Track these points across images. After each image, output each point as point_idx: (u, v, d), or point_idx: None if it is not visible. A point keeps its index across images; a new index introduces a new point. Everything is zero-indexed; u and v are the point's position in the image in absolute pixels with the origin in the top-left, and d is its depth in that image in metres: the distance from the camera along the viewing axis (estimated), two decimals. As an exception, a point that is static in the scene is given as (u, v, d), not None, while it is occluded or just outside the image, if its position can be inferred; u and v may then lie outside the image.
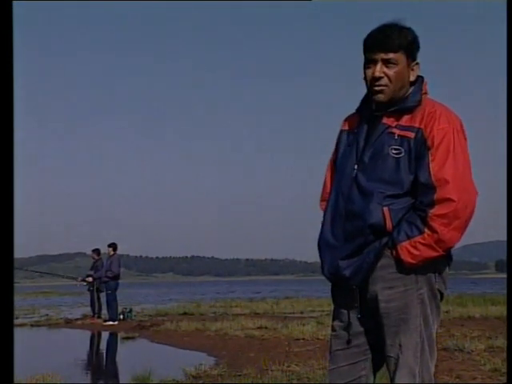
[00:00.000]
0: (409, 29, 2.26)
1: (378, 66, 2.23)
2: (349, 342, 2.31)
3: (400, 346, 2.21)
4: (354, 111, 2.44)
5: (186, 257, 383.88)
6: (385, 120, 2.26)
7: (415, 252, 2.16)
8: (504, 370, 5.50)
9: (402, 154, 2.19)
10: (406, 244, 2.16)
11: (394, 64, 2.22)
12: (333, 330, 2.38)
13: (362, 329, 2.30)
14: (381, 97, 2.25)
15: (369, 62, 2.25)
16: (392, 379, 2.24)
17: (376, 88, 2.24)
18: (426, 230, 2.15)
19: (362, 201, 2.20)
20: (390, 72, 2.23)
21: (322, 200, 2.48)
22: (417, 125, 2.21)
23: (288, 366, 6.15)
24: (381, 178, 2.20)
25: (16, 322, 12.73)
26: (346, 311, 2.32)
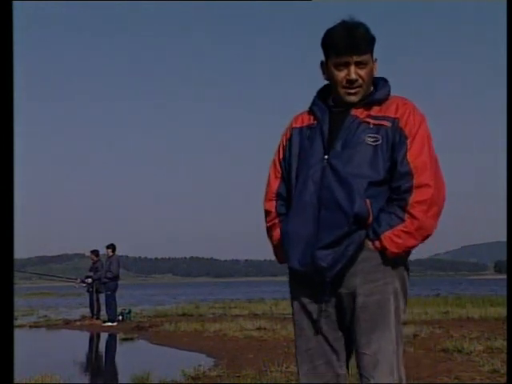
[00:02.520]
0: (367, 26, 2.29)
1: (353, 69, 2.25)
2: (321, 338, 2.27)
3: (378, 341, 2.17)
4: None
5: (185, 258, 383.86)
6: (353, 112, 2.27)
7: (398, 241, 2.16)
8: (503, 370, 5.51)
9: (379, 142, 2.20)
10: (388, 233, 2.16)
11: (365, 64, 2.26)
12: (300, 327, 2.32)
13: (331, 325, 2.26)
14: (354, 98, 2.28)
15: (339, 65, 2.26)
16: (368, 377, 2.18)
17: (351, 91, 2.27)
18: (406, 217, 2.17)
19: (340, 188, 2.16)
20: (362, 73, 2.26)
21: (266, 200, 2.43)
22: (392, 114, 2.24)
23: (287, 367, 6.14)
24: (358, 165, 2.19)
25: (15, 323, 12.72)
26: (315, 306, 2.26)
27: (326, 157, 2.23)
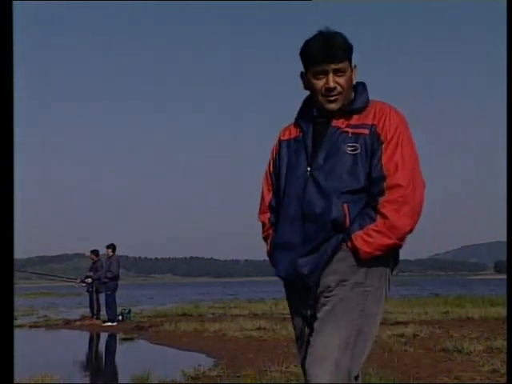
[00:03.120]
0: (343, 35, 2.33)
1: (331, 77, 2.29)
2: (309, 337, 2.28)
3: (329, 336, 2.16)
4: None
5: (185, 258, 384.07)
6: (334, 123, 2.32)
7: (369, 239, 2.19)
8: (503, 370, 5.51)
9: (358, 150, 2.25)
10: (359, 233, 2.20)
11: (344, 72, 2.30)
12: (297, 328, 2.41)
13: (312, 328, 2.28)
14: (334, 106, 2.32)
15: (318, 74, 2.30)
16: (310, 372, 2.16)
17: (330, 98, 2.31)
18: (377, 217, 2.20)
19: (321, 201, 2.23)
20: (341, 80, 2.30)
21: (261, 213, 2.52)
22: (369, 122, 2.28)
23: (287, 367, 6.15)
24: (339, 176, 2.23)
25: (15, 322, 12.72)
26: (304, 309, 2.33)
27: (309, 169, 2.29)
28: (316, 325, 2.23)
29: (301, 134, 2.39)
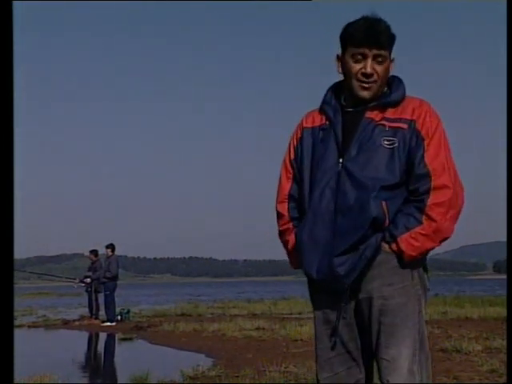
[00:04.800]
0: (389, 24, 2.24)
1: (369, 62, 2.18)
2: (340, 348, 2.22)
3: (397, 346, 2.12)
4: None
5: (184, 258, 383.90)
6: (368, 114, 2.21)
7: (416, 244, 2.12)
8: (502, 370, 5.52)
9: (396, 145, 2.15)
10: (406, 236, 2.12)
11: (383, 60, 2.20)
12: (320, 336, 2.28)
13: (351, 334, 2.22)
14: (367, 94, 2.21)
15: (357, 56, 2.19)
16: (388, 381, 2.14)
17: (365, 85, 2.20)
18: (424, 219, 2.12)
19: (356, 193, 2.12)
20: (379, 68, 2.19)
21: (279, 202, 2.37)
22: (408, 117, 2.19)
23: (286, 367, 6.15)
24: (375, 169, 2.14)
25: (14, 322, 12.70)
26: (334, 315, 2.21)
27: (341, 161, 2.18)
28: (377, 334, 2.16)
29: (327, 123, 2.27)
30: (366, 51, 2.18)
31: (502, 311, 11.93)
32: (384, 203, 2.12)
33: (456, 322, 11.62)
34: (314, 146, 2.28)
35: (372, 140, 2.17)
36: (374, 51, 2.18)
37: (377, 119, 2.20)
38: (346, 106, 2.27)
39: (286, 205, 2.35)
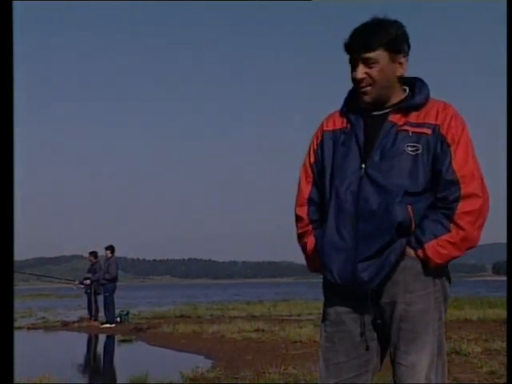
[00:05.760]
0: (390, 22, 2.19)
1: (360, 68, 2.17)
2: (353, 351, 2.19)
3: (416, 353, 2.11)
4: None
5: (183, 259, 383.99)
6: (391, 118, 2.17)
7: (443, 251, 2.10)
8: (501, 372, 5.52)
9: (420, 151, 2.11)
10: (433, 243, 2.09)
11: (375, 63, 2.15)
12: (331, 337, 2.23)
13: (366, 336, 2.19)
14: (367, 98, 2.19)
15: (351, 63, 2.19)
16: None
17: (361, 90, 2.18)
18: (452, 227, 2.09)
19: (379, 198, 2.09)
20: (373, 71, 2.16)
21: (298, 205, 2.34)
22: (432, 121, 2.14)
23: (285, 369, 6.15)
24: (399, 176, 2.10)
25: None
26: (352, 319, 2.18)
27: (363, 166, 2.15)
28: (398, 339, 2.14)
29: (349, 126, 2.24)
30: (356, 56, 2.17)
31: (502, 313, 11.93)
32: (410, 207, 2.09)
33: (455, 323, 11.61)
34: (334, 149, 2.25)
35: (395, 146, 2.13)
36: (363, 55, 2.15)
37: (400, 123, 2.16)
38: (366, 108, 2.24)
39: (305, 208, 2.32)
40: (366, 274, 2.08)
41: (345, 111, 2.28)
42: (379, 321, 2.17)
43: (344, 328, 2.20)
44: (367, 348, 2.19)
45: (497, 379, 5.41)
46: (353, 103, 2.27)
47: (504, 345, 7.07)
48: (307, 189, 2.32)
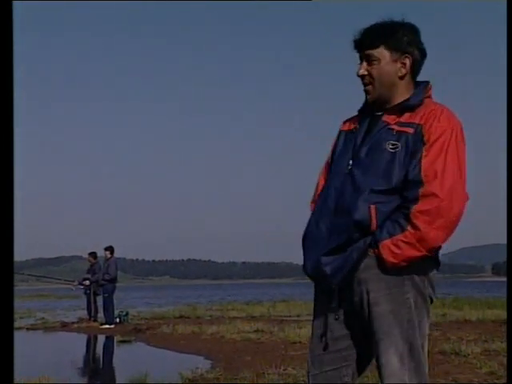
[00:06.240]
0: (400, 24, 2.21)
1: (363, 64, 2.21)
2: (330, 345, 2.21)
3: (384, 354, 2.11)
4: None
5: (183, 260, 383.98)
6: (385, 118, 2.21)
7: (397, 251, 2.07)
8: (500, 373, 5.52)
9: (399, 149, 2.13)
10: (387, 242, 2.09)
11: (376, 60, 2.19)
12: (313, 332, 2.30)
13: (344, 332, 2.22)
14: (368, 97, 2.24)
15: (359, 60, 2.25)
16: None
17: (364, 88, 2.24)
18: (408, 227, 2.08)
19: (352, 195, 2.14)
20: (373, 69, 2.20)
21: (311, 201, 2.41)
22: (417, 121, 2.15)
23: (284, 370, 6.15)
24: (375, 173, 2.14)
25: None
26: (325, 313, 2.24)
27: (351, 162, 2.21)
28: (370, 340, 2.15)
29: (357, 126, 2.30)
30: (360, 52, 2.22)
31: (501, 313, 11.94)
32: (373, 207, 2.11)
33: (455, 324, 11.62)
34: (341, 148, 2.33)
35: (378, 143, 2.17)
36: (365, 52, 2.20)
37: (392, 123, 2.19)
38: (374, 109, 2.27)
39: (314, 204, 2.38)
40: (328, 267, 2.14)
41: (359, 113, 2.35)
42: (337, 317, 2.20)
43: (323, 322, 2.25)
44: (326, 346, 2.22)
45: (496, 380, 5.40)
46: (366, 105, 2.31)
47: (503, 345, 7.08)
48: (321, 185, 2.39)
